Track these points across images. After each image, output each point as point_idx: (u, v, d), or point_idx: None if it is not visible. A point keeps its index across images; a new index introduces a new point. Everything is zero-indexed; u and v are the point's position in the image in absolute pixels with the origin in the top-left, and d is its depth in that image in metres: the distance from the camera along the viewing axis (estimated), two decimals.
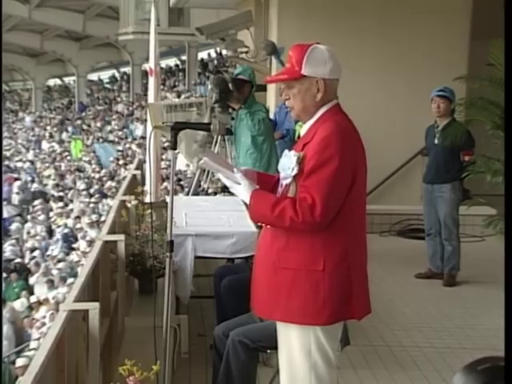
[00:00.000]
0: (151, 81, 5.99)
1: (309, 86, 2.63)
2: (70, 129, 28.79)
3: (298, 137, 2.83)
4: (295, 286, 2.61)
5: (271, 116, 7.01)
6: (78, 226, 14.31)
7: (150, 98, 5.94)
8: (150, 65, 6.06)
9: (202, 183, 7.42)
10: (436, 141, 6.01)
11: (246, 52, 7.62)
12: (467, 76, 6.23)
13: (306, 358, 2.67)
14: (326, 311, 2.60)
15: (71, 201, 17.26)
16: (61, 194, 17.91)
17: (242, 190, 2.67)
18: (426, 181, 6.15)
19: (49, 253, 13.05)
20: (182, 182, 12.59)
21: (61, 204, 16.65)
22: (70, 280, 10.64)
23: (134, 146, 21.45)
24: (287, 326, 2.69)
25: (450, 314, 5.36)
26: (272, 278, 2.66)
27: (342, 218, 2.59)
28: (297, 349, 2.68)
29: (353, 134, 2.67)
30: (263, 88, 8.45)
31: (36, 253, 13.42)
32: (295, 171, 2.59)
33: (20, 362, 8.23)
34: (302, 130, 2.74)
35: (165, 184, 10.90)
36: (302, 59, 2.62)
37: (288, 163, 2.62)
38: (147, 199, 5.39)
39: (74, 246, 13.46)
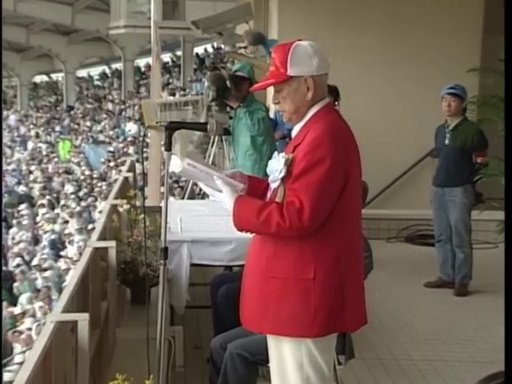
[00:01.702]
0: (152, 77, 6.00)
1: (297, 86, 2.64)
2: (57, 128, 28.78)
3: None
4: (284, 295, 2.62)
5: (271, 115, 7.02)
6: (67, 231, 14.31)
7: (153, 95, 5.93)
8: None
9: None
10: (447, 141, 6.02)
11: (245, 47, 7.64)
12: (481, 69, 6.23)
13: (297, 372, 2.68)
14: (317, 322, 2.60)
15: (59, 204, 17.26)
16: (48, 197, 17.91)
17: (224, 198, 2.66)
18: (436, 184, 6.16)
19: (35, 263, 13.02)
20: (182, 184, 12.61)
21: (47, 208, 16.65)
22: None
23: (129, 147, 21.46)
24: (278, 339, 2.70)
25: (462, 326, 5.37)
26: (261, 287, 2.67)
27: (333, 222, 2.60)
28: (288, 362, 2.69)
29: (346, 133, 2.68)
30: None
31: (21, 260, 13.41)
32: (282, 173, 2.60)
33: (4, 377, 8.23)
34: (293, 131, 2.75)
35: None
36: (286, 59, 2.63)
37: (276, 165, 2.64)
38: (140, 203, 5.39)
39: (62, 253, 13.46)
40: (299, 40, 2.69)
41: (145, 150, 9.32)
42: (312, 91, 2.64)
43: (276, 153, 2.71)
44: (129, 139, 22.52)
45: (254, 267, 2.73)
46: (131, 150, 20.89)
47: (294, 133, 2.75)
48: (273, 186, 2.69)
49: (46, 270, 12.44)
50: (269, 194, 2.72)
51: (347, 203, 2.63)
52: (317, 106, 2.68)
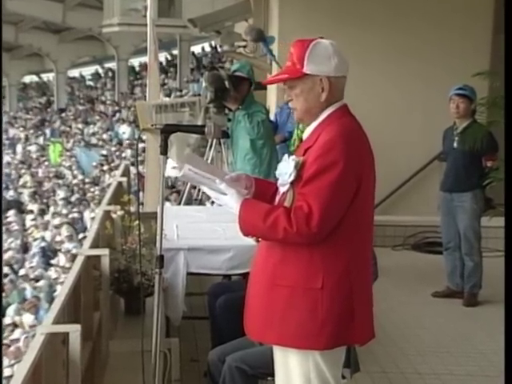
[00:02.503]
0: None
1: (312, 86, 2.64)
2: (48, 131, 28.81)
3: (301, 140, 2.84)
4: (291, 305, 2.61)
5: (271, 117, 7.03)
6: (58, 238, 14.31)
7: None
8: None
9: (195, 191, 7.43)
10: (455, 144, 6.03)
11: (244, 46, 7.65)
12: (489, 72, 6.25)
13: None
14: (324, 334, 2.60)
15: (49, 210, 17.26)
16: (38, 203, 17.92)
17: (230, 201, 2.66)
18: (444, 189, 6.17)
19: (23, 273, 13.00)
20: (178, 189, 12.62)
21: (37, 215, 16.65)
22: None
23: (123, 151, 21.47)
24: (284, 350, 2.70)
25: (471, 337, 5.37)
26: (266, 295, 2.67)
27: (344, 230, 2.59)
28: (295, 375, 2.69)
29: (360, 137, 2.67)
30: (263, 86, 8.48)
31: (9, 269, 13.40)
32: (292, 177, 2.59)
33: None
34: (305, 133, 2.75)
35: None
36: (304, 56, 2.62)
37: (285, 168, 2.63)
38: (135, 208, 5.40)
39: (53, 261, 13.46)
40: (321, 38, 2.69)
41: (141, 153, 9.34)
42: (327, 92, 2.63)
43: (286, 155, 2.69)
44: (126, 143, 22.51)
45: (260, 274, 2.72)
46: (125, 153, 20.90)
47: (305, 135, 2.74)
48: (282, 189, 2.68)
49: (35, 279, 12.43)
50: (277, 198, 2.72)
51: (360, 210, 2.62)
52: (331, 107, 2.67)
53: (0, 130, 19.02)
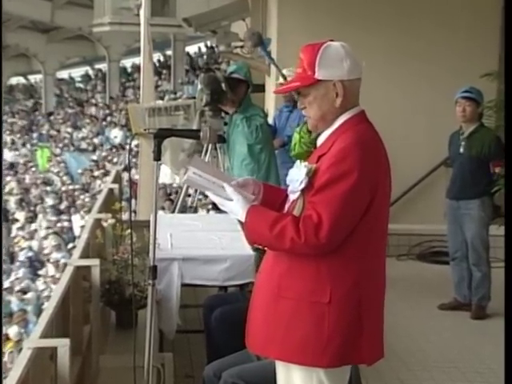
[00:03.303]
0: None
1: (326, 91, 2.63)
2: (35, 135, 28.82)
3: (315, 146, 2.82)
4: (296, 318, 2.61)
5: (270, 121, 7.04)
6: (45, 248, 14.31)
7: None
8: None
9: (190, 198, 7.44)
10: (461, 149, 6.04)
11: (241, 46, 7.68)
12: (497, 73, 6.26)
13: None
14: (329, 351, 2.59)
15: (37, 218, 17.25)
16: (25, 211, 17.91)
17: (235, 207, 2.64)
18: (451, 196, 6.18)
19: (8, 285, 12.98)
20: (172, 197, 12.65)
21: (24, 223, 16.64)
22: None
23: (114, 156, 21.49)
24: (287, 366, 2.69)
25: (479, 352, 5.36)
26: (270, 307, 2.66)
27: (355, 241, 2.58)
28: None
29: (377, 145, 2.66)
30: (261, 88, 8.50)
31: None
32: (303, 185, 2.59)
33: None
34: (319, 139, 2.74)
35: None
36: (315, 61, 2.62)
37: (297, 175, 2.62)
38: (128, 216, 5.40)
39: (40, 272, 13.45)
40: (331, 40, 2.69)
41: (134, 158, 9.35)
42: (341, 97, 2.62)
43: (298, 161, 2.68)
44: (121, 149, 22.50)
45: (264, 284, 2.71)
46: (117, 158, 20.91)
47: (319, 141, 2.73)
48: (292, 197, 2.67)
49: (22, 291, 12.41)
50: (287, 206, 2.71)
51: (373, 221, 2.61)
52: (347, 113, 2.66)
53: (0, 130, 19.07)
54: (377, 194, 2.59)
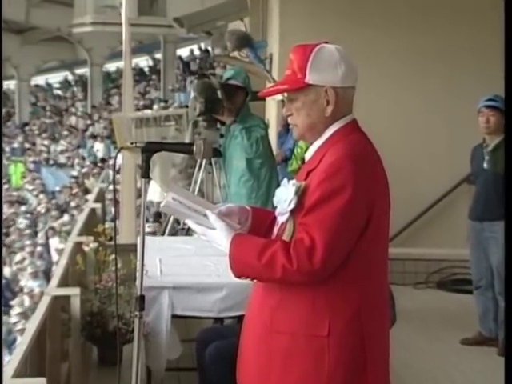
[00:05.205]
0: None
1: (316, 98, 2.64)
2: (8, 149, 28.86)
3: (302, 161, 2.84)
4: (292, 355, 2.61)
5: (272, 133, 7.06)
6: (19, 275, 14.30)
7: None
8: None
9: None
10: (485, 165, 6.05)
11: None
12: None
13: None
14: None
15: (9, 242, 17.24)
16: None
17: (219, 236, 2.64)
18: (474, 217, 6.18)
19: None
20: (161, 220, 12.63)
21: None
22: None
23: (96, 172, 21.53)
24: None
25: None
26: (263, 344, 2.66)
27: (353, 266, 2.59)
28: None
29: (371, 157, 2.66)
30: (261, 97, 8.51)
31: None
32: (292, 205, 2.59)
33: None
34: (307, 153, 2.75)
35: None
36: (306, 63, 2.63)
37: (285, 195, 2.62)
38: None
39: (13, 302, 13.43)
40: (325, 42, 2.70)
41: (118, 174, 9.38)
42: (332, 106, 2.63)
43: (285, 180, 2.68)
44: (104, 164, 22.55)
45: (255, 319, 2.72)
46: (101, 173, 20.92)
47: (307, 155, 2.74)
48: (280, 219, 2.68)
49: None
50: (275, 230, 2.71)
51: (372, 242, 2.61)
52: (337, 123, 2.67)
53: (0, 130, 19.14)
54: (374, 211, 2.59)
